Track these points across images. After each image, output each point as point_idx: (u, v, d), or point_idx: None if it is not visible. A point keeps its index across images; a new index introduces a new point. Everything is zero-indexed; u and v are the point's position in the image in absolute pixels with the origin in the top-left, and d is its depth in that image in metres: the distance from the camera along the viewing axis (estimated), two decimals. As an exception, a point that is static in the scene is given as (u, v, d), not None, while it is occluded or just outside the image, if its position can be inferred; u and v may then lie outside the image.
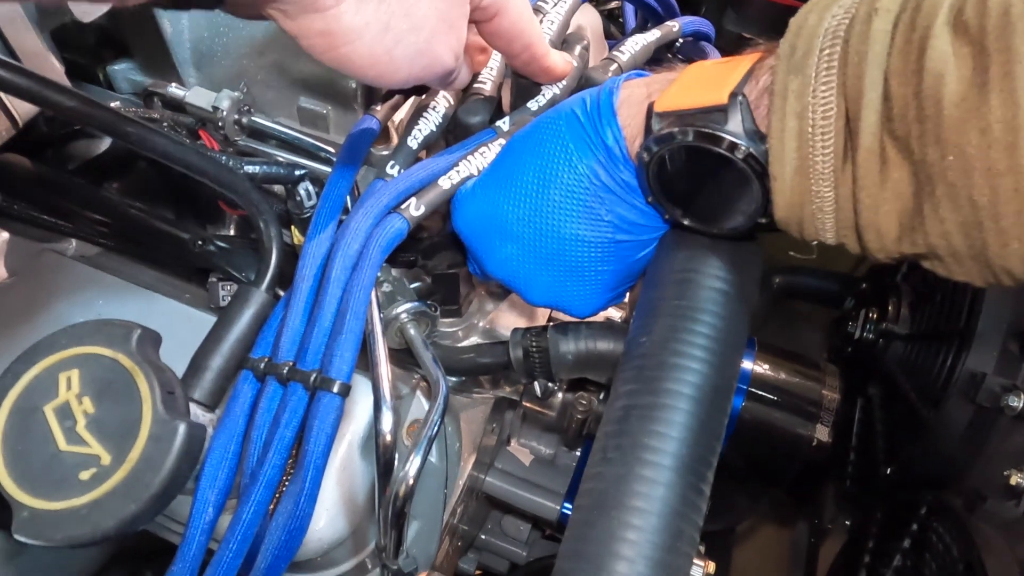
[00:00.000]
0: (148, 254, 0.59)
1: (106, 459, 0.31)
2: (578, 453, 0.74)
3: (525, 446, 0.80)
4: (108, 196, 0.58)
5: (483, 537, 0.82)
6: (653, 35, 0.62)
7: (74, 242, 0.62)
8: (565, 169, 0.43)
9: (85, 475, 0.31)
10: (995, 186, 0.29)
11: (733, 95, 0.36)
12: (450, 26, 0.39)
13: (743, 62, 0.38)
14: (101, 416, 0.32)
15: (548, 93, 0.56)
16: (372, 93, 0.60)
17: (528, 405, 0.67)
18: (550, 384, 0.51)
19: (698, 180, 0.40)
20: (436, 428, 0.44)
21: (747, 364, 0.78)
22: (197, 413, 0.39)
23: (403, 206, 0.48)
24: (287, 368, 0.40)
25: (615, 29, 0.98)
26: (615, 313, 0.62)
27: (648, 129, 0.39)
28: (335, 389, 0.39)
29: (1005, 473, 0.69)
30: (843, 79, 0.32)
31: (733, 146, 0.36)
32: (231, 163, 0.46)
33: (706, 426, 0.38)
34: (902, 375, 0.91)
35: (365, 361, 0.45)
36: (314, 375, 0.39)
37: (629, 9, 0.85)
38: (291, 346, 0.41)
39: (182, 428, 0.32)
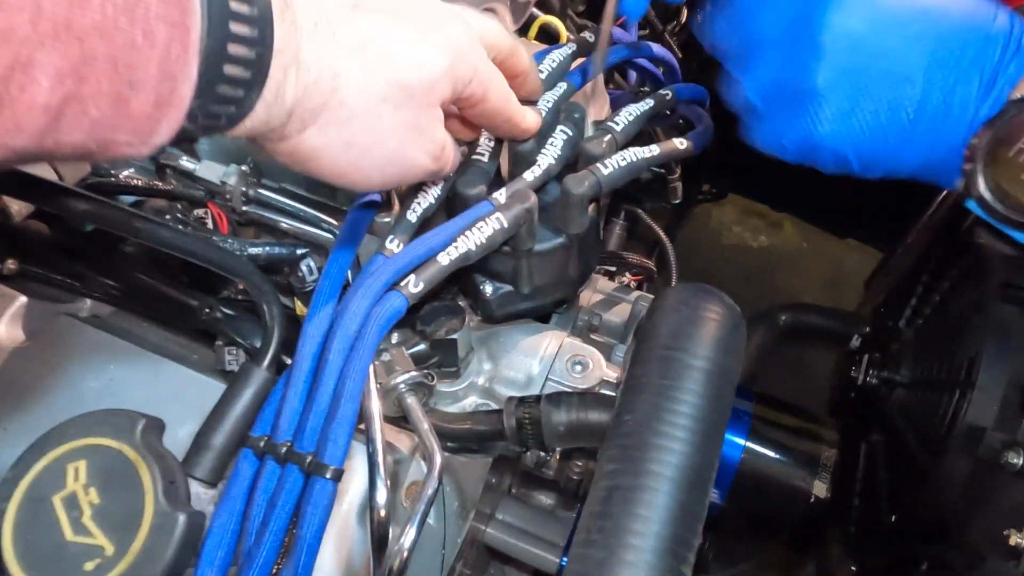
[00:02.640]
0: (158, 316, 0.61)
1: (110, 550, 0.33)
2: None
3: (525, 496, 0.81)
4: (121, 262, 0.60)
5: (485, 586, 0.83)
6: (647, 104, 0.64)
7: (88, 302, 0.65)
8: None
9: (90, 566, 0.33)
10: None
11: None
12: (420, 132, 0.41)
13: None
14: (106, 506, 0.34)
15: (544, 163, 0.58)
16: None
17: (526, 465, 0.68)
18: (543, 454, 0.52)
19: None
20: (430, 502, 0.46)
21: (745, 414, 0.79)
22: (199, 492, 0.41)
23: (402, 283, 0.49)
24: (285, 448, 0.42)
25: (619, 76, 1.00)
26: (611, 374, 0.63)
27: None
28: (328, 475, 0.40)
29: (1005, 532, 0.69)
30: None
31: None
32: (234, 246, 0.48)
33: (687, 508, 0.39)
34: (904, 423, 0.91)
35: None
36: (309, 458, 0.41)
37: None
38: (289, 426, 0.43)
39: (182, 519, 0.34)
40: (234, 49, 0.31)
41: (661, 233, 1.13)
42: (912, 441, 0.87)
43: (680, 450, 0.40)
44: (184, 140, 0.37)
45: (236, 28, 0.31)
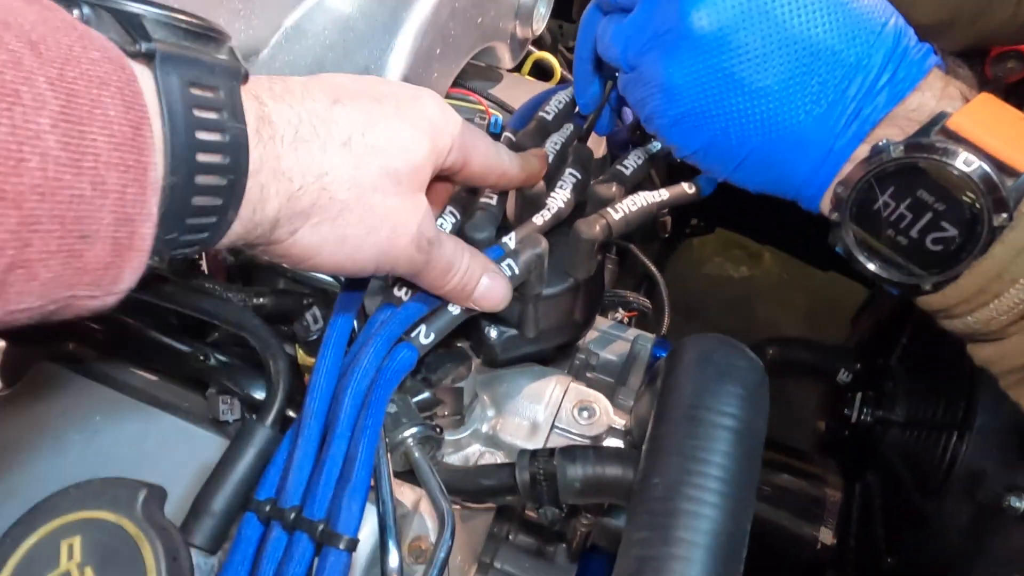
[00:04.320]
0: (146, 362, 0.58)
1: (108, 638, 0.30)
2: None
3: (525, 543, 0.78)
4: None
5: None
6: (655, 147, 0.63)
7: (71, 346, 0.61)
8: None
9: (86, 657, 0.30)
10: None
11: None
12: (407, 218, 0.39)
13: None
14: (104, 589, 0.31)
15: (554, 206, 0.57)
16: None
17: (530, 514, 0.66)
18: (556, 511, 0.50)
19: (915, 212, 0.38)
20: (443, 566, 0.43)
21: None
22: (199, 561, 0.38)
23: (412, 333, 0.47)
24: (293, 514, 0.40)
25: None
26: (619, 421, 0.61)
27: (924, 131, 0.38)
28: (342, 545, 0.38)
29: (1012, 578, 0.69)
30: None
31: (1000, 208, 0.36)
32: (238, 298, 0.46)
33: (722, 578, 0.38)
34: (900, 464, 0.91)
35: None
36: (321, 526, 0.39)
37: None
38: (297, 489, 0.41)
39: (187, 602, 0.31)
40: (204, 180, 0.30)
41: (653, 268, 1.13)
42: (909, 482, 0.87)
43: (712, 516, 0.38)
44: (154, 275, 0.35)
45: (205, 158, 0.29)
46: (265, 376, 0.45)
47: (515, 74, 0.99)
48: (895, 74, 0.38)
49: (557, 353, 0.73)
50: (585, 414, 0.62)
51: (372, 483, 0.44)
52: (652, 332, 0.82)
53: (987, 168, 0.36)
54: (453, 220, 0.55)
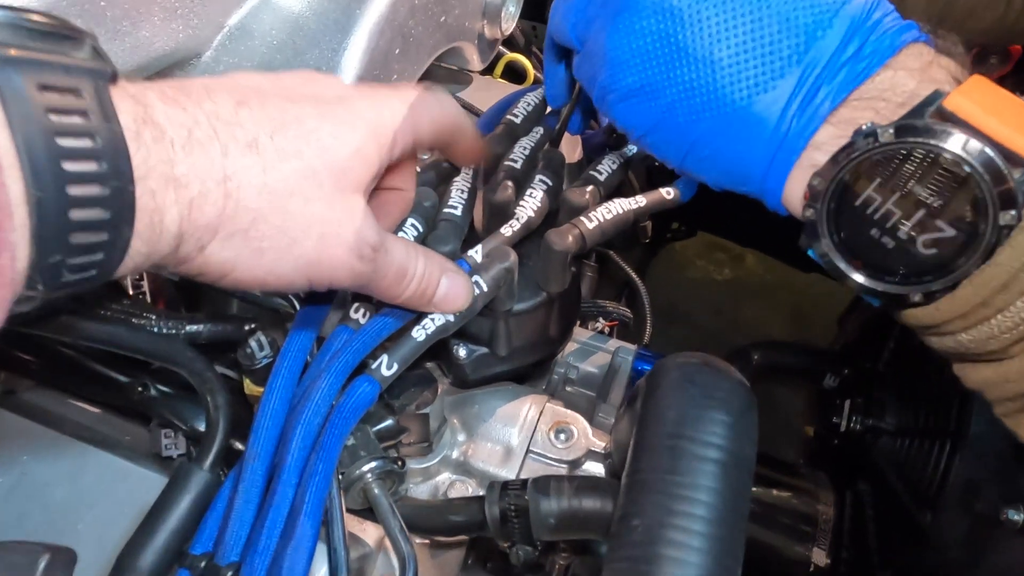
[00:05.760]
0: (83, 394, 0.54)
1: None
2: None
3: (502, 571, 0.74)
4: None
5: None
6: (630, 151, 0.59)
7: (2, 376, 0.57)
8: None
9: None
10: None
11: None
12: (339, 226, 0.35)
13: None
14: None
15: (523, 216, 0.53)
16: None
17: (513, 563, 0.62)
18: (530, 549, 0.46)
19: (903, 209, 0.33)
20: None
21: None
22: (122, 630, 0.34)
23: (372, 365, 0.43)
24: (231, 573, 0.35)
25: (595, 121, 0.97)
26: (598, 443, 0.58)
27: (918, 111, 0.33)
28: (283, 612, 0.34)
29: (1012, 593, 0.66)
30: None
31: (1008, 203, 0.31)
32: (167, 326, 0.41)
33: (710, 633, 0.34)
34: (893, 474, 0.88)
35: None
36: (260, 588, 0.34)
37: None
38: (236, 543, 0.36)
39: None
40: (78, 191, 0.26)
41: (633, 275, 1.09)
42: (903, 492, 0.84)
43: (698, 563, 0.34)
44: (48, 307, 0.31)
45: (74, 167, 0.26)
46: (204, 411, 0.41)
47: (486, 76, 0.95)
48: (861, 48, 0.34)
49: (533, 370, 0.69)
50: (563, 436, 0.58)
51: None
52: (634, 341, 0.79)
53: (992, 154, 0.31)
54: (415, 233, 0.51)
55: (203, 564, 0.36)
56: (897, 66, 0.34)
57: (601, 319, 0.95)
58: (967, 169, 0.31)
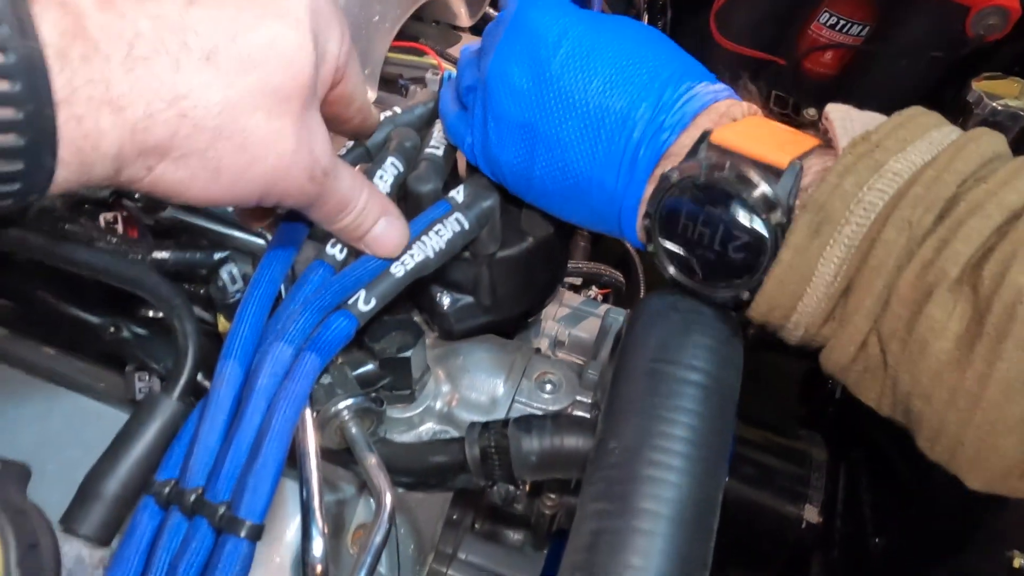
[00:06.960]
0: (54, 338, 0.52)
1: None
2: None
3: (491, 532, 0.73)
4: (10, 274, 0.51)
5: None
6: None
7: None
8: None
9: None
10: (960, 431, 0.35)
11: (792, 163, 0.37)
12: (299, 142, 0.34)
13: (809, 140, 0.39)
14: (-63, 584, 0.26)
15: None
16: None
17: (492, 500, 0.61)
18: (511, 488, 0.45)
19: (710, 227, 0.39)
20: (379, 551, 0.38)
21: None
22: (82, 554, 0.33)
23: (350, 300, 0.42)
24: (195, 496, 0.34)
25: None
26: (586, 394, 0.56)
27: (693, 152, 0.39)
28: (243, 533, 0.32)
29: (1008, 554, 0.65)
30: (864, 248, 0.34)
31: (770, 206, 0.36)
32: (133, 251, 0.40)
33: (689, 554, 0.33)
34: (887, 440, 0.87)
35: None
36: (222, 510, 0.33)
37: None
38: (202, 469, 0.35)
39: (39, 598, 0.26)
40: None
41: (628, 244, 1.08)
42: (897, 458, 0.83)
43: (678, 482, 0.33)
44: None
45: None
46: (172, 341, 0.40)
47: (476, 39, 0.94)
48: (663, 123, 0.41)
49: (520, 327, 0.68)
50: (549, 387, 0.57)
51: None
52: (627, 309, 0.78)
53: (746, 170, 0.37)
54: (395, 172, 0.50)
55: (167, 490, 0.35)
56: (697, 126, 0.41)
57: (594, 287, 0.94)
58: (733, 185, 0.37)
